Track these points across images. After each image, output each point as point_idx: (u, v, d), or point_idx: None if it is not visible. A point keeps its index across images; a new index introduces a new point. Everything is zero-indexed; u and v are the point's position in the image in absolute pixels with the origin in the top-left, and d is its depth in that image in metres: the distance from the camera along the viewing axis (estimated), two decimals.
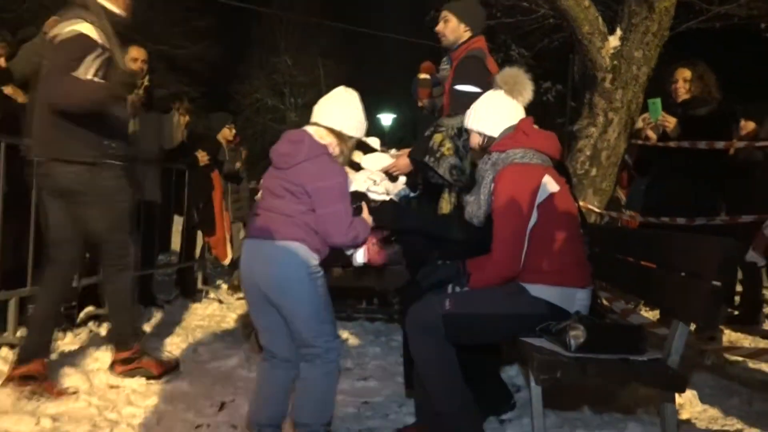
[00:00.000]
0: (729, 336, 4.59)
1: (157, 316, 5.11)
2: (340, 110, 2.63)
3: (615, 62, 4.57)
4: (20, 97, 3.91)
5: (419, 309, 2.59)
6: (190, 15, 20.76)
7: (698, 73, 3.94)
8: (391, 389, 3.47)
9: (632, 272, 2.88)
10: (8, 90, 3.86)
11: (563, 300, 2.48)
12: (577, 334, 2.23)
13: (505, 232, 2.51)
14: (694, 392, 3.15)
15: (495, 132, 2.72)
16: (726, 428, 2.85)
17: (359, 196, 3.56)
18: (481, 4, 3.54)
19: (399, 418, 3.05)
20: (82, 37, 2.97)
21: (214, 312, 5.56)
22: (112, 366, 3.42)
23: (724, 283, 2.13)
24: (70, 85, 2.91)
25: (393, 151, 3.74)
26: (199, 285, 6.42)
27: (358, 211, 2.67)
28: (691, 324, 2.34)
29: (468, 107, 2.86)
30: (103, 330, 4.20)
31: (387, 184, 3.66)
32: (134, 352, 3.42)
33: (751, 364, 3.85)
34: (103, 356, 3.62)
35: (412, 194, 3.74)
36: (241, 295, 6.24)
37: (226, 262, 6.27)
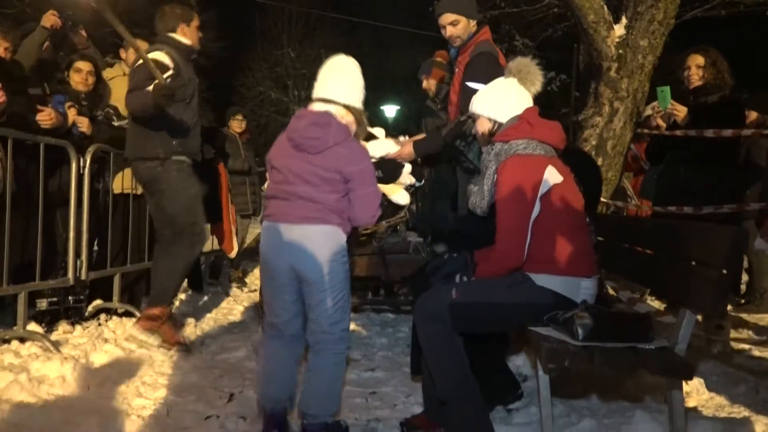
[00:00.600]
0: (736, 324, 4.59)
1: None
2: (351, 85, 2.59)
3: (620, 51, 4.55)
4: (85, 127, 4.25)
5: (427, 298, 2.61)
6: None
7: (711, 60, 3.91)
8: (398, 380, 3.49)
9: (639, 261, 2.89)
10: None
11: (569, 289, 2.49)
12: (584, 323, 2.24)
13: (508, 223, 2.52)
14: (701, 380, 3.16)
15: (504, 118, 2.71)
16: (733, 415, 2.85)
17: None
18: None
19: (406, 407, 3.07)
20: (155, 62, 3.61)
21: (222, 304, 5.59)
22: (138, 320, 3.88)
23: (731, 272, 2.13)
24: (130, 97, 3.73)
25: (402, 138, 3.75)
26: (207, 278, 6.44)
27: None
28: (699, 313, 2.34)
29: None
30: (113, 323, 4.23)
31: None
32: (162, 314, 3.81)
33: (758, 352, 3.86)
34: (112, 349, 3.65)
35: (417, 183, 3.75)
36: (249, 287, 6.25)
37: (232, 255, 6.28)
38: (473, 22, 3.48)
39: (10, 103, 3.60)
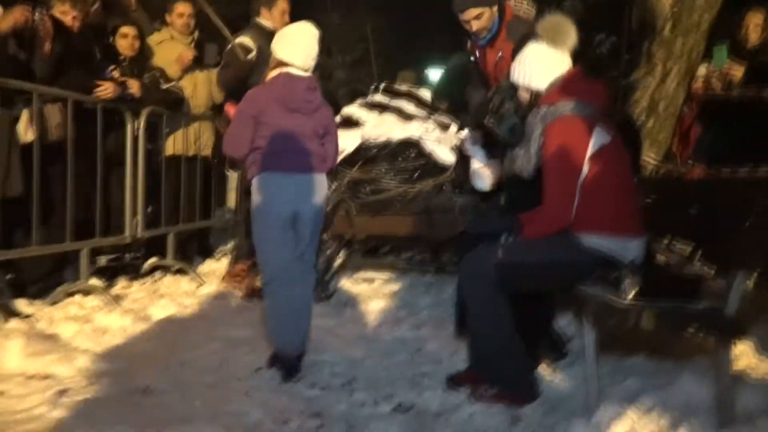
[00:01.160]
0: None
1: (213, 267, 5.30)
2: (314, 53, 3.01)
3: (675, 9, 4.39)
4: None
5: (473, 258, 2.64)
6: None
7: None
8: (443, 338, 3.54)
9: (691, 222, 2.85)
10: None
11: (617, 249, 2.49)
12: (632, 282, 2.24)
13: (556, 186, 2.52)
14: (750, 344, 3.12)
15: (542, 85, 2.69)
16: None
17: (412, 144, 3.63)
18: None
19: (452, 364, 3.12)
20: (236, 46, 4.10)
21: None
22: (224, 276, 4.36)
23: None
24: (220, 72, 4.36)
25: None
26: None
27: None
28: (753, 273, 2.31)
29: None
30: (168, 279, 4.40)
31: (439, 133, 3.69)
32: (243, 270, 4.15)
33: None
34: (168, 304, 3.82)
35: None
36: None
37: None
38: (495, 7, 3.36)
39: (73, 74, 3.75)
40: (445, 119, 4.03)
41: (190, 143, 4.85)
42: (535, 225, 2.59)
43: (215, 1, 4.63)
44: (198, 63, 4.91)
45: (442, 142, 3.69)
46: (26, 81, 3.45)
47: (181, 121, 4.74)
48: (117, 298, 3.79)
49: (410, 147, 3.63)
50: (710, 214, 2.73)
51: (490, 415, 2.53)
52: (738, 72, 3.69)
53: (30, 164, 3.44)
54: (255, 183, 2.93)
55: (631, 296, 2.21)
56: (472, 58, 4.06)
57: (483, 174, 3.10)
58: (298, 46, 2.95)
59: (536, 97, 2.71)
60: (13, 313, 3.25)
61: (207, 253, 5.30)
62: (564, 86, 2.63)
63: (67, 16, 3.93)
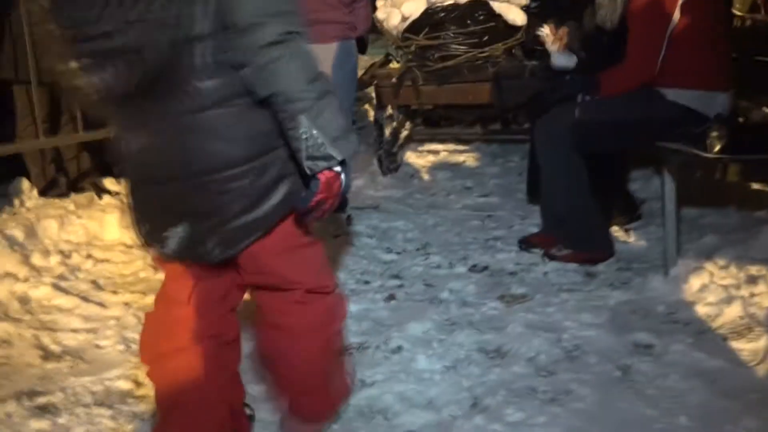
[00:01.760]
0: None
1: None
2: None
3: None
4: None
5: (548, 119, 2.62)
6: None
7: None
8: (512, 205, 3.57)
9: None
10: None
11: (702, 104, 2.40)
12: (717, 136, 2.18)
13: (641, 35, 2.40)
14: None
15: None
16: None
17: (480, 5, 3.44)
18: None
19: (523, 228, 3.17)
20: None
21: None
22: None
23: None
24: None
25: None
26: None
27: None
28: None
29: None
30: None
31: None
32: None
33: None
34: None
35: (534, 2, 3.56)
36: None
37: None
38: None
39: None
40: None
41: None
42: (615, 80, 2.49)
43: None
44: None
45: (511, 2, 3.51)
46: None
47: None
48: None
49: (479, 8, 3.47)
50: None
51: (564, 273, 2.60)
52: None
53: None
54: None
55: (716, 150, 2.16)
56: None
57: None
58: None
59: None
60: (104, 191, 3.45)
61: None
62: None
63: None
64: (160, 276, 2.49)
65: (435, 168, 4.28)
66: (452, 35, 3.51)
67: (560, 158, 2.60)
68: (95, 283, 2.50)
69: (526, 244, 2.90)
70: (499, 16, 3.48)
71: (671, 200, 2.28)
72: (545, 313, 2.25)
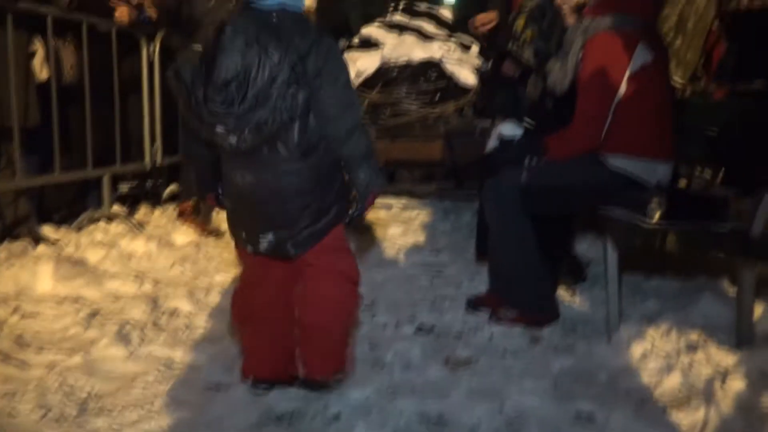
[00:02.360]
0: None
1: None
2: None
3: None
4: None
5: (497, 181, 2.63)
6: None
7: None
8: (462, 263, 3.58)
9: (716, 144, 2.80)
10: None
11: (645, 172, 2.46)
12: (657, 205, 2.22)
13: (589, 104, 2.46)
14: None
15: None
16: None
17: (433, 65, 3.54)
18: None
19: (471, 287, 3.16)
20: None
21: None
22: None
23: None
24: None
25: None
26: None
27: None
28: None
29: None
30: None
31: (460, 53, 3.60)
32: (185, 209, 3.95)
33: None
34: (190, 230, 3.87)
35: (485, 66, 3.65)
36: None
37: None
38: None
39: None
40: (466, 39, 3.91)
41: None
42: (562, 145, 2.54)
43: None
44: None
45: (463, 63, 3.59)
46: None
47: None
48: (140, 225, 3.85)
49: (431, 68, 3.55)
50: (734, 134, 2.68)
51: (510, 336, 2.57)
52: None
53: (48, 95, 3.41)
54: None
55: (656, 217, 2.19)
56: None
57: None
58: None
59: (584, 2, 2.59)
60: (41, 239, 3.31)
61: None
62: None
63: None
64: (91, 334, 2.40)
65: (387, 222, 4.28)
66: (405, 93, 3.56)
67: (508, 220, 2.62)
68: (20, 340, 2.35)
69: (473, 304, 2.88)
70: (451, 76, 3.55)
71: (613, 266, 2.30)
72: (489, 380, 2.21)
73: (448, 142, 3.52)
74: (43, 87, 3.45)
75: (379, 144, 3.70)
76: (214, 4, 3.90)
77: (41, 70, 3.44)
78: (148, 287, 2.99)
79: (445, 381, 2.21)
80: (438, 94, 3.55)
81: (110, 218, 3.77)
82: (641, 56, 2.40)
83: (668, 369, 2.15)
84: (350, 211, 1.95)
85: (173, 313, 2.72)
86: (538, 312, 2.65)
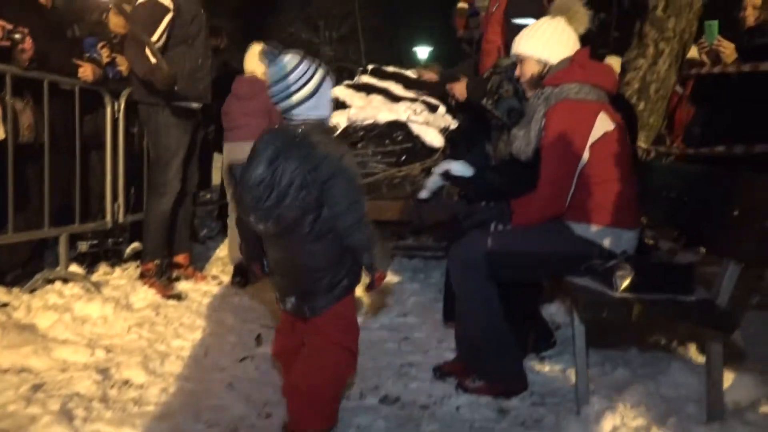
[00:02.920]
0: None
1: (199, 251, 5.23)
2: None
3: None
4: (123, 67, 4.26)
5: (462, 246, 2.59)
6: None
7: None
8: (430, 325, 3.51)
9: (681, 210, 2.79)
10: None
11: (610, 240, 2.44)
12: (623, 274, 2.19)
13: (553, 171, 2.45)
14: (739, 330, 3.09)
15: (554, 58, 2.59)
16: None
17: (399, 126, 3.54)
18: None
19: (438, 353, 3.09)
20: (153, 3, 3.60)
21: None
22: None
23: None
24: (130, 52, 3.69)
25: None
26: None
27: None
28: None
29: None
30: None
31: (427, 114, 3.61)
32: (147, 270, 3.87)
33: None
34: (150, 291, 3.74)
35: (452, 126, 3.67)
36: None
37: None
38: None
39: (47, 49, 3.59)
40: (433, 100, 3.94)
41: None
42: (526, 212, 2.52)
43: None
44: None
45: (430, 124, 3.60)
46: None
47: None
48: (98, 286, 3.70)
49: (397, 129, 3.55)
50: (700, 202, 2.68)
51: (477, 408, 2.49)
52: (727, 49, 3.57)
53: (3, 150, 3.31)
54: None
55: (622, 288, 2.16)
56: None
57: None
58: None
59: (542, 74, 2.61)
60: None
61: (190, 236, 5.19)
62: (571, 67, 2.53)
63: None
64: (32, 410, 2.25)
65: None
66: (371, 153, 3.54)
67: (474, 286, 2.56)
68: None
69: (440, 372, 2.80)
70: (417, 137, 3.56)
71: (581, 338, 2.25)
72: None
73: (414, 203, 3.49)
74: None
75: None
76: (201, 62, 3.91)
77: None
78: (100, 355, 2.84)
79: None
80: (404, 156, 3.54)
81: (66, 279, 3.62)
82: (603, 125, 2.42)
83: None
84: (367, 284, 2.29)
85: (125, 384, 2.58)
86: (506, 382, 2.58)
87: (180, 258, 4.24)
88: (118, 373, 2.65)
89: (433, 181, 2.90)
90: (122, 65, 4.19)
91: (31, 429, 2.12)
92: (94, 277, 3.94)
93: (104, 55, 4.08)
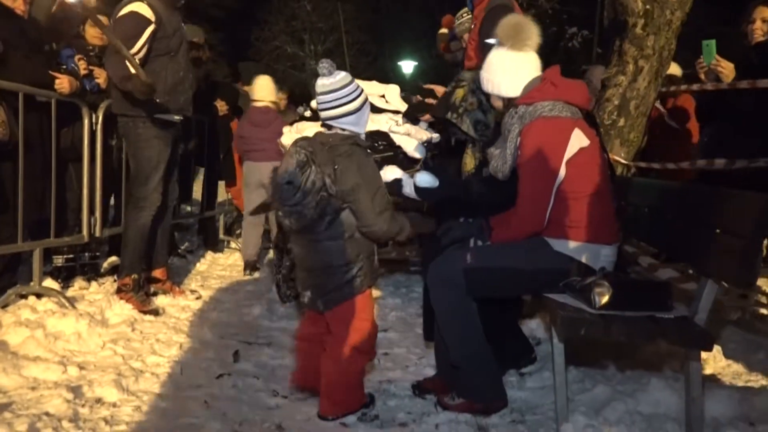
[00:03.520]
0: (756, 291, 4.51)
1: (179, 265, 5.17)
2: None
3: (647, 6, 4.34)
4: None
5: (441, 263, 2.57)
6: None
7: None
8: (411, 341, 3.49)
9: (661, 227, 2.80)
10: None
11: (588, 256, 2.43)
12: (602, 291, 2.19)
13: (530, 189, 2.44)
14: (719, 347, 3.11)
15: (514, 92, 2.59)
16: (750, 384, 2.81)
17: (382, 135, 3.52)
18: None
19: (419, 370, 3.07)
20: (134, 15, 3.58)
21: (236, 262, 5.61)
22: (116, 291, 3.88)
23: (758, 241, 2.04)
24: (111, 66, 3.60)
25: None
26: (221, 235, 6.45)
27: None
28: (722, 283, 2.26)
29: None
30: None
31: (409, 126, 3.59)
32: (125, 284, 3.79)
33: None
34: (126, 306, 3.67)
35: (434, 138, 3.66)
36: (264, 245, 6.23)
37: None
38: None
39: (24, 61, 3.54)
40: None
41: None
42: (505, 229, 2.51)
43: None
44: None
45: (411, 136, 3.59)
46: None
47: None
48: (72, 301, 3.63)
49: (379, 137, 3.53)
50: (680, 218, 2.68)
51: (456, 425, 2.46)
52: (726, 69, 3.55)
53: None
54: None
55: (600, 305, 2.15)
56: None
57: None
58: None
59: (510, 102, 2.62)
60: None
61: (171, 250, 5.14)
62: (543, 86, 2.53)
63: (16, 1, 3.71)
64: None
65: None
66: None
67: (452, 302, 2.54)
68: None
69: (420, 389, 2.77)
70: (399, 147, 3.54)
71: (560, 356, 2.23)
72: None
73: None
74: None
75: None
76: (183, 75, 3.88)
77: None
78: (72, 373, 2.78)
79: None
80: (385, 165, 3.51)
81: (40, 295, 3.54)
82: (578, 141, 2.41)
83: None
84: None
85: (96, 402, 2.52)
86: (486, 400, 2.55)
87: (158, 272, 4.17)
88: (90, 391, 2.59)
89: (408, 184, 2.89)
90: (100, 77, 4.15)
91: None
92: (70, 292, 3.87)
93: (81, 67, 4.04)
